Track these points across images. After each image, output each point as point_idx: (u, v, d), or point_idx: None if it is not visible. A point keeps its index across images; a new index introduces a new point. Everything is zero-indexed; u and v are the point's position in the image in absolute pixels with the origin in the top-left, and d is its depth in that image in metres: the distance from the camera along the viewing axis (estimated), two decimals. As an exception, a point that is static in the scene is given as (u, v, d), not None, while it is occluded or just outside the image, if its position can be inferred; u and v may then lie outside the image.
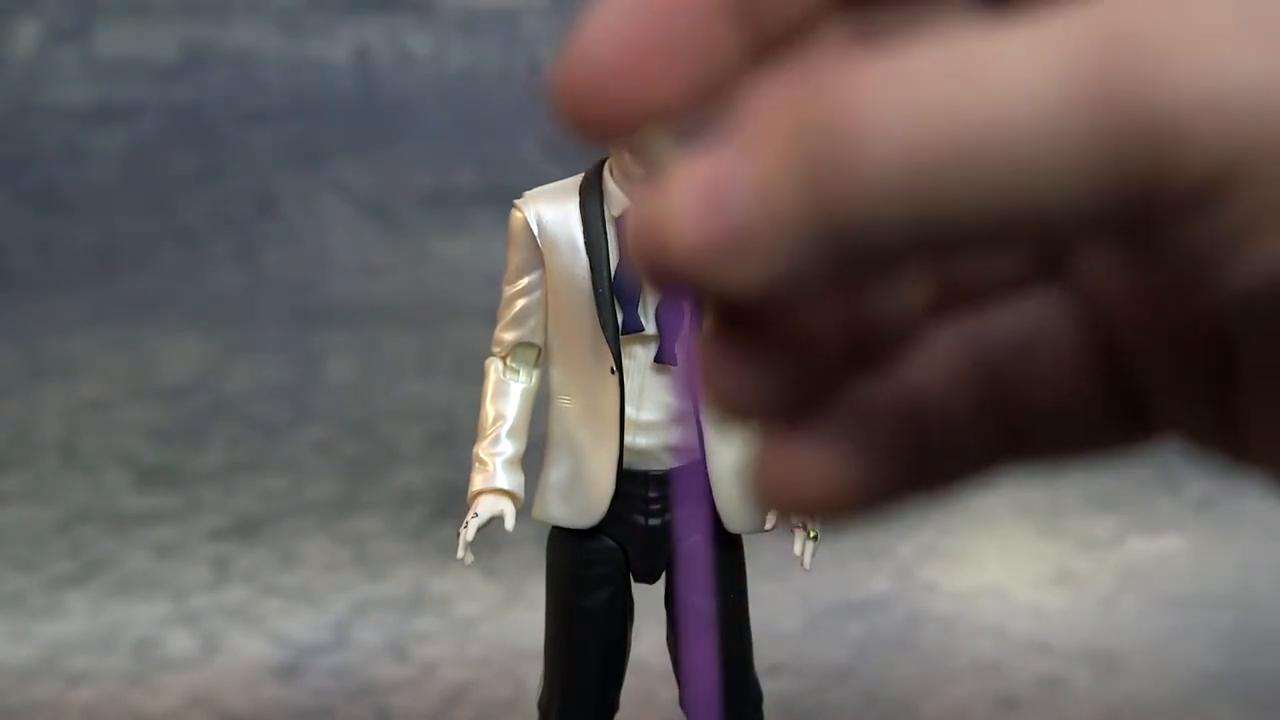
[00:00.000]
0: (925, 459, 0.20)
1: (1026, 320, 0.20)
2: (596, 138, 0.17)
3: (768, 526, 1.27)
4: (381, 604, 2.54)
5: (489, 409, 1.71)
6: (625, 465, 1.65)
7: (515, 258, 1.55)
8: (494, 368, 1.77)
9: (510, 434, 1.73)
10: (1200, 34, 0.14)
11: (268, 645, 2.41)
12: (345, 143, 3.22)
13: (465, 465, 1.70)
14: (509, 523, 1.67)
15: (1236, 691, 2.57)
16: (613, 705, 1.62)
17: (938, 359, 0.20)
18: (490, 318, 1.64)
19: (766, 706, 1.44)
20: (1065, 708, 2.47)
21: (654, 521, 1.68)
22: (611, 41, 0.17)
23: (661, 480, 1.34)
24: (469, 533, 1.72)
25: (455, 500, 2.62)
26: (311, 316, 3.10)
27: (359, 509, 2.77)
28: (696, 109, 0.18)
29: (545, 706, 1.71)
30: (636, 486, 1.64)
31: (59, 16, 3.16)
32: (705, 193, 0.16)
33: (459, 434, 2.83)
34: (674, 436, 1.33)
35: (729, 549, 1.74)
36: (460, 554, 1.34)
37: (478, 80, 3.30)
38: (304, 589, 2.58)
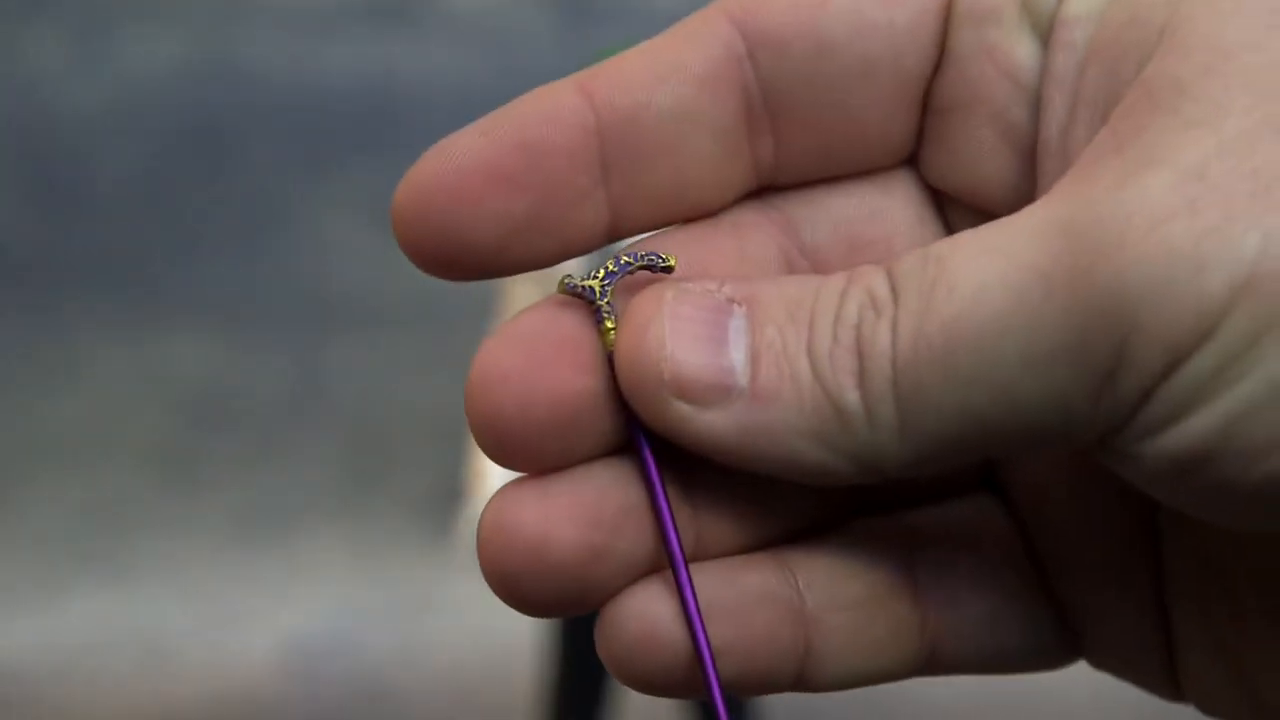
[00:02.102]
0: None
1: (955, 520, 0.21)
2: (435, 266, 0.18)
3: None
4: (391, 607, 2.53)
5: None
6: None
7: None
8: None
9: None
10: (1145, 218, 0.15)
11: (276, 647, 2.41)
12: (352, 148, 3.22)
13: (472, 467, 1.70)
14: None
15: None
16: (613, 702, 1.63)
17: (857, 553, 0.20)
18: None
19: (767, 707, 1.44)
20: (1061, 705, 2.47)
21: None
22: (460, 162, 0.18)
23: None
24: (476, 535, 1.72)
25: (463, 503, 2.62)
26: (319, 318, 3.10)
27: (368, 512, 2.76)
28: (530, 254, 0.18)
29: (548, 704, 1.71)
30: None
31: (70, 23, 3.15)
32: (715, 355, 0.17)
33: (466, 436, 2.83)
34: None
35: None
36: (468, 556, 1.35)
37: (480, 86, 3.29)
38: (313, 591, 2.57)
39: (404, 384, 3.00)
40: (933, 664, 0.21)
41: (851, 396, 0.16)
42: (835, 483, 0.17)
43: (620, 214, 0.18)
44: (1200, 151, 0.15)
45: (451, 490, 2.93)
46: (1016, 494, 0.21)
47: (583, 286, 0.18)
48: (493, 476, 1.71)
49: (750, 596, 0.20)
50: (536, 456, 0.18)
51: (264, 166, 3.19)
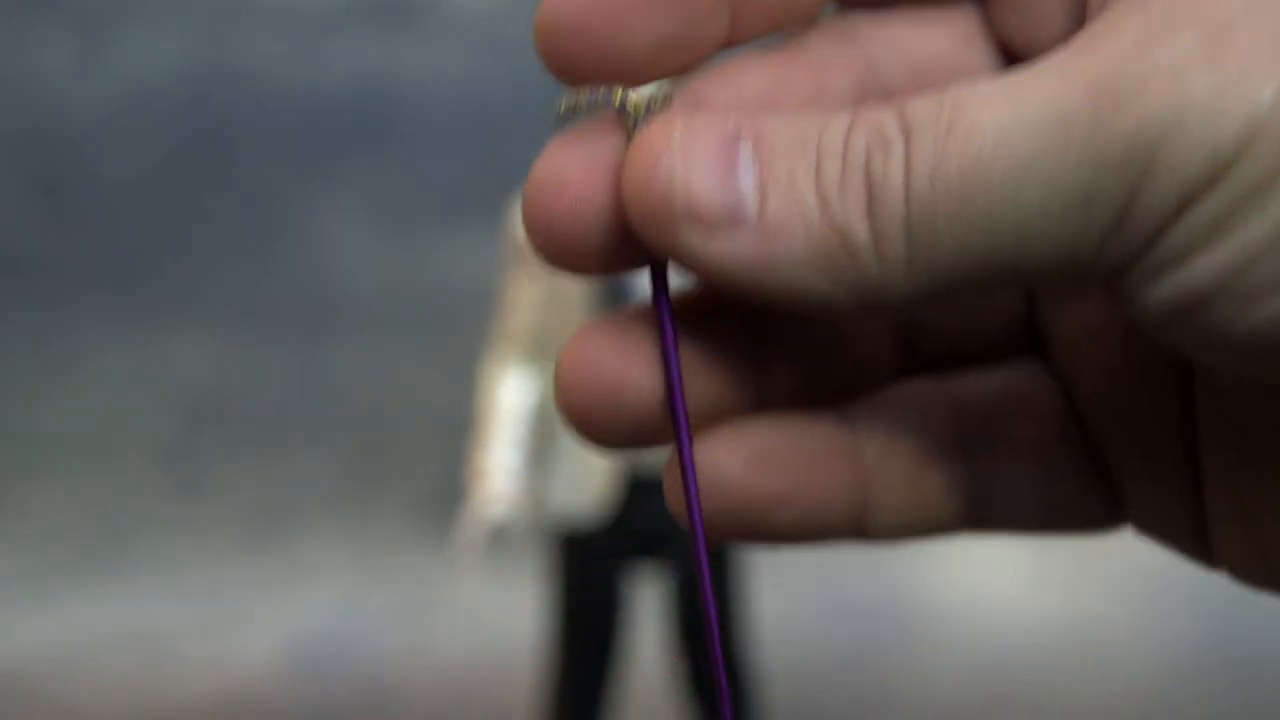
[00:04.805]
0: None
1: (1001, 387, 0.22)
2: (573, 75, 0.18)
3: None
4: (391, 607, 2.53)
5: (495, 411, 1.71)
6: (628, 466, 1.65)
7: (517, 259, 1.56)
8: (499, 369, 1.76)
9: (516, 436, 1.73)
10: (1168, 72, 0.15)
11: (276, 647, 2.41)
12: (352, 148, 3.22)
13: (473, 467, 1.71)
14: (516, 525, 1.68)
15: (1223, 686, 2.56)
16: (614, 702, 1.63)
17: (909, 413, 0.21)
18: (494, 318, 1.66)
19: (766, 708, 1.45)
20: (1062, 705, 2.46)
21: (657, 524, 1.68)
22: None
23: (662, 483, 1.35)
24: (476, 535, 1.72)
25: (463, 503, 2.62)
26: (319, 319, 3.10)
27: (368, 512, 2.76)
28: (667, 65, 0.19)
29: (548, 704, 1.71)
30: (639, 489, 1.65)
31: (73, 24, 3.16)
32: (724, 182, 0.17)
33: (466, 436, 2.84)
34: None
35: (726, 552, 1.75)
36: (468, 556, 1.35)
37: (482, 87, 3.29)
38: (313, 592, 2.57)
39: (404, 384, 3.00)
40: (983, 521, 0.22)
41: (860, 229, 0.17)
42: (838, 315, 0.18)
43: (738, 22, 0.19)
44: (1227, 10, 0.15)
45: (451, 490, 2.94)
46: (1058, 359, 0.22)
47: (625, 106, 0.18)
48: (492, 476, 1.71)
49: (811, 446, 0.21)
50: (584, 259, 0.19)
51: (265, 167, 3.19)
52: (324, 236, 3.18)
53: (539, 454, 1.72)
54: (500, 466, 1.72)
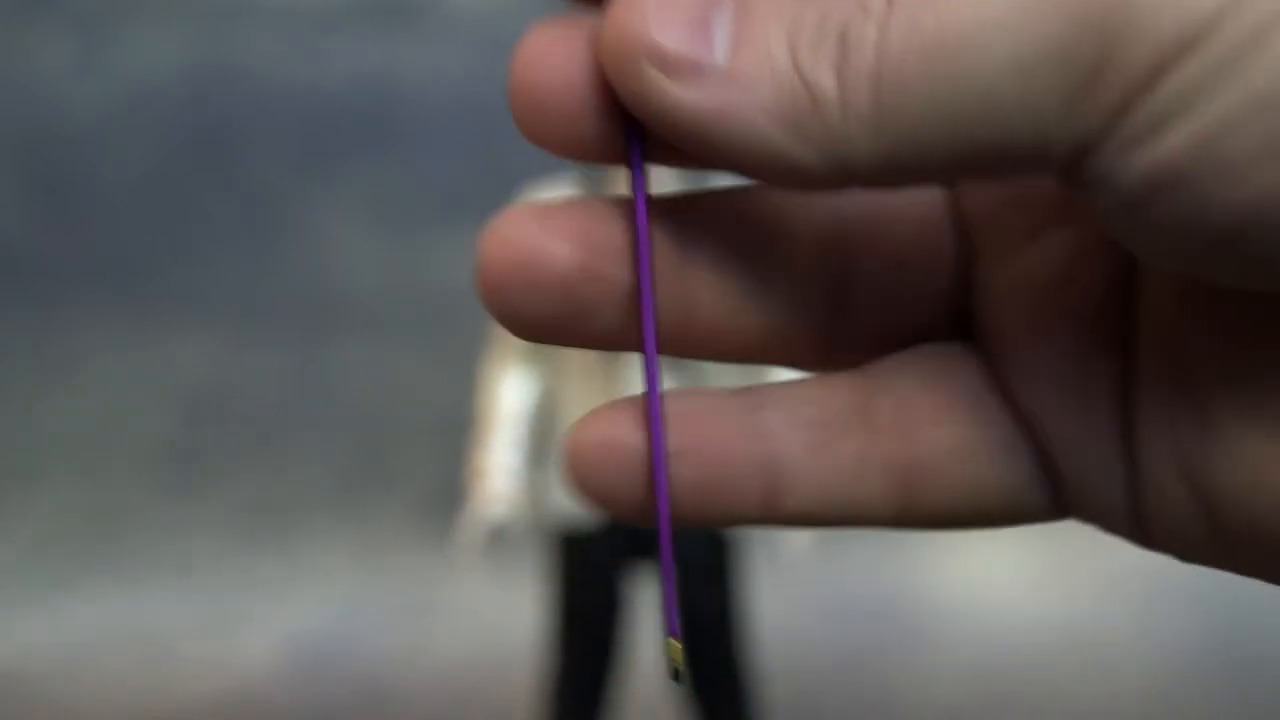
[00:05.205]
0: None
1: (921, 361, 0.22)
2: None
3: None
4: (391, 607, 2.53)
5: (495, 411, 1.71)
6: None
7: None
8: (499, 369, 1.76)
9: (516, 436, 1.73)
10: None
11: (276, 647, 2.41)
12: (352, 148, 3.22)
13: (473, 467, 1.70)
14: (516, 525, 1.68)
15: (1224, 686, 2.56)
16: (613, 702, 1.63)
17: (821, 381, 0.21)
18: (493, 320, 1.65)
19: (766, 708, 1.45)
20: (1062, 705, 2.46)
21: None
22: None
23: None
24: (476, 535, 1.72)
25: (463, 503, 2.62)
26: (319, 319, 3.10)
27: (368, 512, 2.76)
28: None
29: (548, 704, 1.71)
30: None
31: (73, 24, 3.16)
32: (695, 34, 0.17)
33: (466, 436, 2.83)
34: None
35: (726, 551, 1.75)
36: (468, 556, 1.35)
37: (482, 87, 3.29)
38: (313, 592, 2.57)
39: (404, 384, 3.00)
40: (909, 506, 0.21)
41: (828, 82, 0.17)
42: (801, 183, 0.18)
43: None
44: None
45: (451, 490, 2.94)
46: (986, 323, 0.21)
47: None
48: (492, 476, 1.72)
49: (707, 404, 0.20)
50: (566, 131, 0.19)
51: (265, 167, 3.19)
52: (324, 236, 3.18)
53: (539, 454, 1.72)
54: (500, 467, 1.72)
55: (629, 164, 0.19)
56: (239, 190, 3.18)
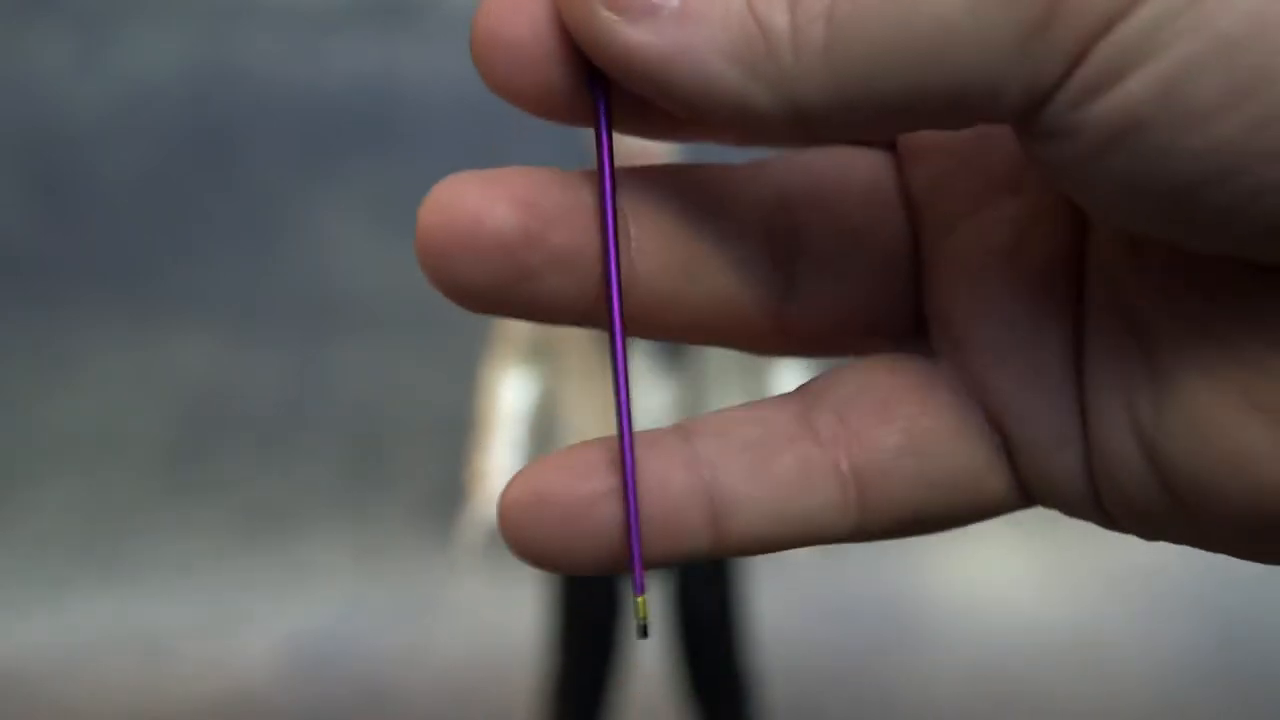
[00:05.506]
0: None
1: (881, 365, 0.21)
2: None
3: None
4: (392, 607, 2.53)
5: (494, 412, 1.71)
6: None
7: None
8: (500, 370, 1.77)
9: (515, 437, 1.73)
10: None
11: (276, 647, 2.41)
12: (352, 148, 3.23)
13: (474, 469, 1.71)
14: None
15: (1224, 687, 2.56)
16: (614, 703, 1.63)
17: (754, 404, 0.21)
18: (496, 319, 1.65)
19: (766, 708, 1.45)
20: (1062, 705, 2.46)
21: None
22: None
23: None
24: (477, 536, 1.72)
25: (463, 504, 2.63)
26: (319, 319, 3.10)
27: (368, 512, 2.76)
28: None
29: (548, 704, 1.71)
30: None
31: (73, 24, 3.16)
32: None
33: (466, 436, 2.84)
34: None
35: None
36: (468, 557, 1.36)
37: (482, 87, 3.29)
38: (313, 592, 2.57)
39: (404, 384, 3.00)
40: (867, 513, 0.20)
41: (781, 19, 0.17)
42: (756, 126, 0.17)
43: None
44: None
45: (451, 490, 2.94)
46: (935, 302, 0.21)
47: None
48: (493, 477, 1.72)
49: (641, 439, 0.20)
50: (527, 82, 0.19)
51: (265, 167, 3.19)
52: (324, 236, 3.18)
53: (539, 455, 1.72)
54: (501, 468, 1.72)
55: (595, 119, 0.19)
56: (239, 190, 3.18)
